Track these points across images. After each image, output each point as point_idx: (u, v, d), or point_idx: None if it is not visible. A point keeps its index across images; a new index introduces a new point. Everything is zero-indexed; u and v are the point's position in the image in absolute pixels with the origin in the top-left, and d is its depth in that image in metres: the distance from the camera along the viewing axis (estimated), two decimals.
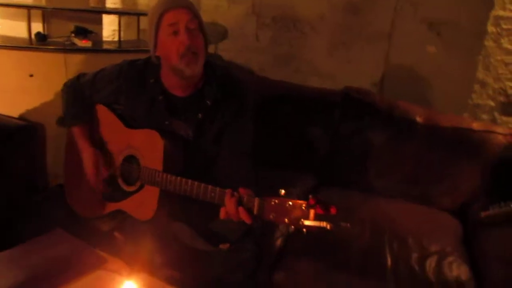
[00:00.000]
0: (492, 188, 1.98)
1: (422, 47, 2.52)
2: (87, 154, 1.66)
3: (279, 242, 1.78)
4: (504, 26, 2.17)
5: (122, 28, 2.57)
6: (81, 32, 2.42)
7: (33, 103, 2.27)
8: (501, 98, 2.22)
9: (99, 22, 2.76)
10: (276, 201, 1.16)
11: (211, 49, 1.54)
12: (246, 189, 1.27)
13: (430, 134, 2.14)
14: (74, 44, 2.37)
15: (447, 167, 2.10)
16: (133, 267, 1.30)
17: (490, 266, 1.63)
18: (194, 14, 1.49)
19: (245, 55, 3.00)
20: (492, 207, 1.75)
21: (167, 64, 1.53)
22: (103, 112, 1.71)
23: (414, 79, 2.56)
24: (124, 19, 2.69)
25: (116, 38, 2.71)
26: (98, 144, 1.70)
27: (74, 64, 2.28)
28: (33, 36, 2.34)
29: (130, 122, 1.64)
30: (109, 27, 2.99)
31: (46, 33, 2.41)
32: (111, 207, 1.65)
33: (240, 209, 1.24)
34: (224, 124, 1.57)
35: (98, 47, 2.47)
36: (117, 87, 1.64)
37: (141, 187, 1.56)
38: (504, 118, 2.25)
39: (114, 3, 3.07)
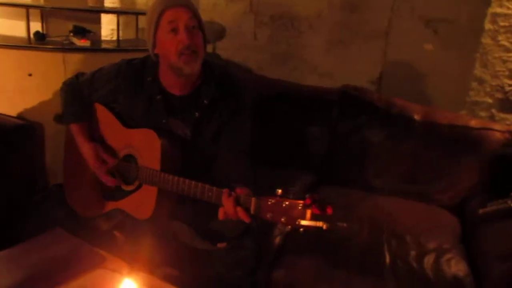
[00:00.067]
0: (490, 185, 1.99)
1: (420, 45, 2.52)
2: (86, 148, 1.66)
3: (278, 240, 1.78)
4: (501, 23, 2.17)
5: (120, 28, 2.57)
6: (79, 32, 2.41)
7: (32, 102, 2.27)
8: (499, 95, 2.23)
9: (98, 22, 2.76)
10: (273, 200, 1.17)
11: (209, 48, 1.54)
12: (243, 189, 1.27)
13: (428, 131, 2.14)
14: (72, 43, 2.37)
15: (445, 164, 2.11)
16: (133, 266, 1.30)
17: (488, 263, 1.63)
18: (194, 12, 1.49)
19: (243, 53, 3.00)
20: (490, 204, 1.76)
21: (165, 62, 1.53)
22: (101, 112, 1.71)
23: (412, 77, 2.57)
24: (122, 18, 2.69)
25: (115, 37, 2.71)
26: (97, 142, 1.69)
27: (72, 64, 2.27)
28: (31, 36, 2.34)
29: (128, 121, 1.65)
30: (108, 26, 2.99)
31: (44, 32, 2.41)
32: (110, 206, 1.65)
33: (238, 208, 1.25)
34: (221, 123, 1.57)
35: (96, 47, 2.47)
36: (115, 86, 1.64)
37: (139, 186, 1.57)
38: (502, 115, 2.25)
39: (113, 3, 3.07)
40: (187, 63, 1.47)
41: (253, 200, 1.23)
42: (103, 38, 2.91)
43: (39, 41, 2.33)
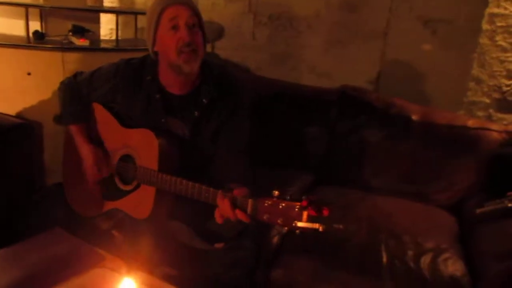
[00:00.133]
0: (487, 184, 1.99)
1: (418, 45, 2.53)
2: (86, 150, 1.67)
3: (276, 240, 1.79)
4: (499, 24, 2.17)
5: (119, 27, 2.58)
6: (78, 31, 2.42)
7: (31, 101, 2.27)
8: (496, 95, 2.23)
9: (97, 21, 2.76)
10: (270, 202, 1.18)
11: (207, 47, 1.54)
12: (241, 189, 1.28)
13: (426, 132, 2.15)
14: (71, 42, 2.37)
15: (443, 164, 2.11)
16: (132, 265, 1.30)
17: (485, 262, 1.64)
18: (195, 11, 1.50)
19: (242, 53, 3.00)
20: (487, 204, 1.76)
21: (165, 61, 1.53)
22: (99, 111, 1.71)
23: (410, 77, 2.58)
24: (121, 18, 2.70)
25: (114, 37, 2.71)
26: (95, 143, 1.70)
27: (71, 63, 2.28)
28: (31, 35, 2.35)
29: (126, 120, 1.65)
30: (107, 25, 2.99)
31: (44, 31, 2.42)
32: (109, 205, 1.66)
33: (237, 211, 1.25)
34: (220, 122, 1.58)
35: (95, 46, 2.47)
36: (114, 85, 1.64)
37: (137, 186, 1.57)
38: (500, 115, 2.25)
39: (112, 2, 3.07)
40: (187, 61, 1.47)
41: (250, 201, 1.23)
42: (102, 37, 2.91)
43: (38, 40, 2.34)
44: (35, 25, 2.40)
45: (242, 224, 1.30)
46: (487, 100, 2.28)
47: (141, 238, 1.55)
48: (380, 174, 2.20)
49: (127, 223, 1.65)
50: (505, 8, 2.14)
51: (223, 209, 1.28)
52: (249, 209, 1.24)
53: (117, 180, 1.65)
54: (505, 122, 2.22)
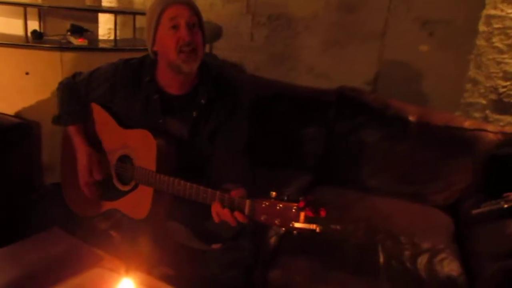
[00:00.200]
0: (484, 185, 2.00)
1: (415, 46, 2.54)
2: (81, 153, 1.67)
3: (273, 240, 1.80)
4: (496, 25, 2.18)
5: (118, 27, 2.58)
6: (77, 31, 2.41)
7: (29, 101, 2.27)
8: (493, 97, 2.24)
9: (95, 21, 2.76)
10: (267, 203, 1.19)
11: (206, 48, 1.55)
12: (238, 190, 1.28)
13: (423, 133, 2.16)
14: (70, 42, 2.37)
15: (440, 165, 2.13)
16: (130, 265, 1.31)
17: (481, 263, 1.65)
18: (195, 11, 1.51)
19: (240, 54, 3.01)
20: (483, 204, 1.77)
21: (164, 60, 1.53)
22: (97, 112, 1.71)
23: (408, 77, 2.59)
24: (120, 18, 2.70)
25: (112, 37, 2.71)
26: (94, 143, 1.70)
27: (70, 63, 2.27)
28: (29, 34, 2.34)
29: (125, 121, 1.65)
30: (105, 25, 3.00)
31: (42, 31, 2.41)
32: (107, 206, 1.66)
33: (236, 213, 1.26)
34: (219, 123, 1.58)
35: (94, 46, 2.47)
36: (112, 85, 1.64)
37: (135, 186, 1.57)
38: (496, 116, 2.27)
39: (110, 2, 3.07)
40: (186, 61, 1.48)
41: (248, 202, 1.24)
42: (100, 37, 2.91)
43: (37, 40, 2.33)
44: (33, 25, 2.39)
45: (240, 225, 1.31)
46: (484, 102, 2.29)
47: (139, 238, 1.56)
48: (378, 175, 2.21)
49: (125, 224, 1.65)
50: (502, 10, 2.15)
51: (222, 213, 1.29)
52: (246, 210, 1.24)
53: (115, 181, 1.65)
54: (501, 123, 2.23)
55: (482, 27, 2.28)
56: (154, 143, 1.50)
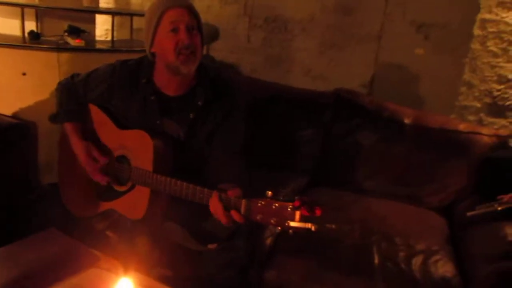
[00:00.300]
0: (478, 188, 2.02)
1: (411, 49, 2.56)
2: (79, 147, 1.66)
3: (269, 241, 1.80)
4: (490, 29, 2.20)
5: (115, 28, 2.58)
6: (74, 32, 2.42)
7: (26, 101, 2.27)
8: (487, 100, 2.26)
9: (92, 21, 2.76)
10: (263, 202, 1.20)
11: (203, 49, 1.56)
12: (234, 190, 1.29)
13: (419, 135, 2.18)
14: (67, 43, 2.37)
15: (435, 167, 2.14)
16: (127, 266, 1.31)
17: (475, 264, 1.66)
18: (195, 14, 1.51)
19: (237, 55, 3.02)
20: (477, 207, 1.78)
21: (162, 61, 1.54)
22: (95, 113, 1.71)
23: (403, 80, 2.61)
24: (117, 18, 2.69)
25: (109, 38, 2.72)
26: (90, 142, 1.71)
27: (67, 63, 2.28)
28: (26, 35, 2.34)
29: (122, 121, 1.65)
30: (102, 26, 3.00)
31: (39, 31, 2.42)
32: (104, 206, 1.66)
33: (232, 212, 1.27)
34: (216, 124, 1.59)
35: (91, 47, 2.47)
36: (110, 86, 1.65)
37: (132, 187, 1.58)
38: (490, 119, 2.28)
39: (107, 3, 3.07)
40: (184, 63, 1.48)
41: (244, 202, 1.25)
42: (97, 38, 2.91)
43: (34, 40, 2.34)
44: (30, 25, 2.40)
45: (235, 225, 1.32)
46: (478, 105, 2.31)
47: (136, 239, 1.56)
48: (374, 176, 2.23)
49: (122, 224, 1.65)
50: (497, 14, 2.17)
51: (215, 210, 1.30)
52: (242, 210, 1.25)
53: (112, 181, 1.65)
54: (495, 126, 2.25)
55: (477, 31, 2.30)
56: (151, 143, 1.50)
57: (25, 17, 2.34)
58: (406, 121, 2.20)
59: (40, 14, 2.44)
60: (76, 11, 2.59)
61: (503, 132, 2.15)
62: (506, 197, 1.73)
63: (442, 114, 2.37)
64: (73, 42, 2.36)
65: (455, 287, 1.61)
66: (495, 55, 2.20)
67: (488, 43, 2.22)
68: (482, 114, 2.29)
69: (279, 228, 1.17)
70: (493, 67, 2.21)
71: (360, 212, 1.97)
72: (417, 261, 1.68)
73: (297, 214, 1.14)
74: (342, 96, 2.35)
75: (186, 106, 1.58)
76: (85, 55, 2.39)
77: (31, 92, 2.26)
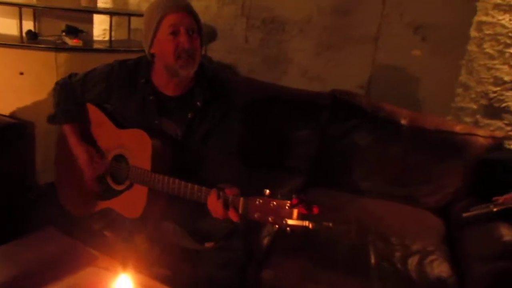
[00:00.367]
0: (474, 189, 2.03)
1: (408, 51, 2.57)
2: (80, 151, 1.67)
3: (266, 240, 1.81)
4: (486, 32, 2.21)
5: (113, 28, 2.58)
6: (72, 31, 2.42)
7: (23, 101, 2.27)
8: (483, 102, 2.27)
9: (90, 21, 2.77)
10: (261, 200, 1.20)
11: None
12: (232, 189, 1.30)
13: (415, 136, 2.19)
14: (65, 43, 2.37)
15: (431, 168, 2.15)
16: (124, 265, 1.31)
17: (471, 264, 1.67)
18: (195, 17, 1.52)
19: (235, 56, 3.02)
20: (473, 208, 1.79)
21: (161, 62, 1.54)
22: (93, 112, 1.72)
23: (400, 81, 2.61)
24: (114, 18, 2.70)
25: (107, 38, 2.72)
26: (89, 143, 1.71)
27: (64, 63, 2.28)
28: (24, 34, 2.35)
29: (120, 121, 1.66)
30: (100, 26, 3.00)
31: (37, 31, 2.42)
32: (101, 205, 1.66)
33: (230, 210, 1.27)
34: (213, 125, 1.59)
35: (88, 47, 2.47)
36: (108, 86, 1.65)
37: (130, 186, 1.58)
38: (486, 121, 2.29)
39: (105, 3, 3.07)
40: (183, 67, 1.49)
41: (241, 200, 1.26)
42: (94, 38, 2.91)
43: (31, 40, 2.34)
44: (28, 25, 2.40)
45: (232, 223, 1.32)
46: (474, 106, 2.32)
47: (134, 238, 1.56)
48: (370, 177, 2.24)
49: (119, 223, 1.65)
50: (493, 17, 2.18)
51: (214, 208, 1.30)
52: (240, 208, 1.26)
53: (109, 180, 1.65)
54: (491, 128, 2.26)
55: (473, 33, 2.31)
56: (150, 142, 1.51)
57: (23, 16, 2.34)
58: (403, 122, 2.21)
59: (38, 13, 2.45)
60: (74, 11, 2.59)
61: (499, 133, 2.16)
62: (501, 199, 1.74)
63: (439, 115, 2.38)
64: (71, 42, 2.36)
65: (451, 287, 1.62)
66: (491, 57, 2.21)
67: (485, 45, 2.23)
68: (478, 116, 2.31)
69: (277, 226, 1.18)
70: (489, 69, 2.22)
71: (357, 212, 1.98)
72: (413, 261, 1.69)
73: (295, 212, 1.15)
74: (339, 97, 2.35)
75: (184, 106, 1.59)
76: (83, 55, 2.39)
77: (28, 92, 2.26)
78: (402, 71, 2.60)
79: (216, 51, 3.03)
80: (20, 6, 2.34)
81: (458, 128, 2.16)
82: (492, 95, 2.23)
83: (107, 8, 3.06)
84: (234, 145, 1.61)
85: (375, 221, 1.92)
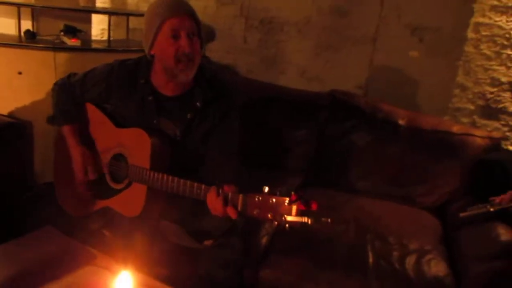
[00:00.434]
0: (471, 189, 2.04)
1: (405, 52, 2.58)
2: (75, 152, 1.67)
3: (264, 240, 1.82)
4: (484, 33, 2.22)
5: (111, 28, 2.58)
6: (70, 31, 2.42)
7: (22, 100, 2.27)
8: (480, 102, 2.28)
9: (88, 21, 2.77)
10: (260, 197, 1.21)
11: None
12: (230, 186, 1.30)
13: (412, 136, 2.20)
14: (63, 42, 2.37)
15: (429, 168, 2.16)
16: (123, 264, 1.32)
17: (467, 264, 1.69)
18: (196, 21, 1.52)
19: (233, 56, 3.02)
20: (470, 208, 1.80)
21: (161, 64, 1.55)
22: (92, 112, 1.72)
23: (398, 82, 2.62)
24: (113, 18, 2.70)
25: (105, 37, 2.72)
26: (87, 142, 1.71)
27: (63, 63, 2.28)
28: (22, 34, 2.35)
29: (120, 121, 1.66)
30: (98, 26, 3.00)
31: (35, 31, 2.42)
32: (100, 204, 1.67)
33: (229, 207, 1.28)
34: (212, 125, 1.60)
35: (87, 46, 2.48)
36: (107, 86, 1.65)
37: (129, 184, 1.58)
38: (483, 121, 2.30)
39: (104, 2, 3.07)
40: (183, 71, 1.50)
41: (240, 197, 1.26)
42: (93, 37, 2.91)
43: (30, 39, 2.34)
44: (26, 24, 2.40)
45: (230, 221, 1.33)
46: (472, 107, 2.33)
47: (132, 237, 1.57)
48: (368, 177, 2.25)
49: (117, 222, 1.66)
50: (490, 18, 2.19)
51: (214, 205, 1.31)
52: (239, 205, 1.26)
53: (108, 179, 1.66)
54: (488, 129, 2.27)
55: (470, 34, 2.32)
56: (149, 141, 1.51)
57: (21, 16, 2.34)
58: (401, 122, 2.23)
59: (36, 13, 2.45)
60: (72, 10, 2.60)
61: (495, 134, 2.17)
62: (498, 199, 1.75)
63: (436, 115, 2.39)
64: (69, 41, 2.36)
65: (448, 286, 1.64)
66: (489, 58, 2.22)
67: (482, 46, 2.24)
68: (475, 116, 2.32)
69: (276, 222, 1.19)
70: (486, 70, 2.23)
71: (354, 212, 1.99)
72: (410, 260, 1.71)
73: (294, 208, 1.15)
74: (338, 97, 2.37)
75: (184, 106, 1.59)
76: (81, 54, 2.39)
77: (27, 92, 2.26)
78: (400, 72, 2.61)
79: (215, 51, 3.03)
80: (18, 5, 2.34)
81: (455, 129, 2.17)
82: (489, 96, 2.24)
83: (106, 8, 3.05)
84: (235, 146, 1.62)
85: (373, 221, 1.93)
